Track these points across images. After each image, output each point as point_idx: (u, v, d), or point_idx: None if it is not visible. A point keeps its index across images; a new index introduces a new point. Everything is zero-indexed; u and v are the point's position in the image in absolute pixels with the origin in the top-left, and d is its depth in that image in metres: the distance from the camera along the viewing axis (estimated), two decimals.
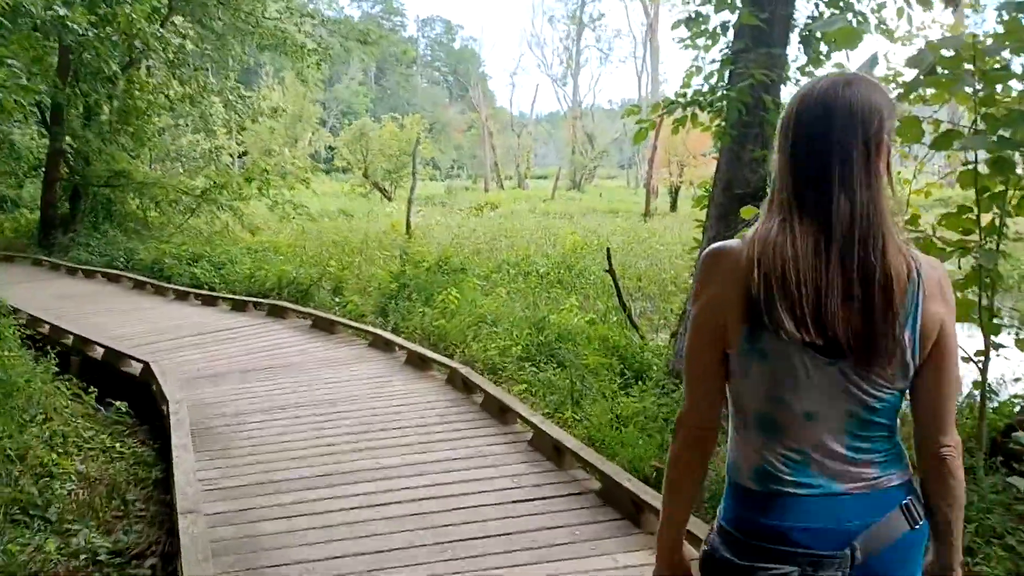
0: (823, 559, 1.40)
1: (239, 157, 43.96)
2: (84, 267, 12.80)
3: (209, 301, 10.09)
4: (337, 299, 9.98)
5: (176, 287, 10.85)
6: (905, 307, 1.38)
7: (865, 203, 1.37)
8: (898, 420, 1.47)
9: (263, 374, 6.72)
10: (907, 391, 1.46)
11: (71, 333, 7.78)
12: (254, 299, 9.66)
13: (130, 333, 8.38)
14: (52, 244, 14.90)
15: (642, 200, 27.19)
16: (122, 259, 13.02)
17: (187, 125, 20.41)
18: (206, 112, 18.20)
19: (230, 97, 17.68)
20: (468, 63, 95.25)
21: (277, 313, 9.03)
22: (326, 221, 23.79)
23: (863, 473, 1.43)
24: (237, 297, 9.81)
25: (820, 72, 5.94)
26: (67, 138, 15.60)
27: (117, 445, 5.58)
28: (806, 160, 1.41)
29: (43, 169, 16.51)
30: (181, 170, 19.87)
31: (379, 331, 7.74)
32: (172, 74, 17.59)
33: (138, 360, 6.75)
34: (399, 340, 7.37)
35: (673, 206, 30.09)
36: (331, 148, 48.24)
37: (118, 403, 6.12)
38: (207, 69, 17.89)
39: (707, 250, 1.50)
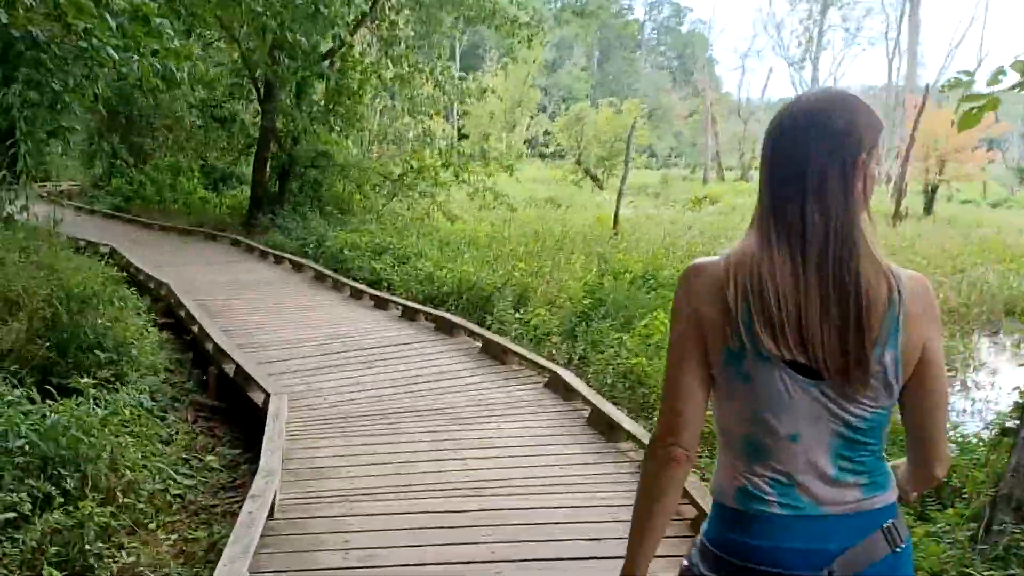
0: None
1: (458, 140, 44.34)
2: (275, 252, 12.17)
3: (381, 304, 8.83)
4: (519, 313, 8.34)
5: (353, 284, 9.74)
6: (885, 327, 1.33)
7: (841, 222, 1.33)
8: (883, 439, 1.43)
9: (403, 420, 5.19)
10: (894, 408, 1.41)
11: (212, 339, 6.73)
12: (426, 308, 8.24)
13: (283, 339, 7.25)
14: (255, 224, 14.61)
15: (887, 199, 23.27)
16: (312, 245, 12.25)
17: (402, 108, 19.86)
18: (415, 93, 17.35)
19: (439, 77, 16.66)
20: (695, 47, 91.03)
21: (446, 329, 7.54)
22: (531, 210, 22.47)
23: (847, 495, 1.40)
24: (409, 304, 8.45)
25: None
26: (278, 117, 15.29)
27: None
28: (783, 177, 1.38)
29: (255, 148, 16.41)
30: (396, 152, 19.31)
31: (559, 370, 5.95)
32: (385, 52, 16.88)
33: (262, 389, 5.46)
34: (582, 389, 5.53)
35: (928, 208, 25.73)
36: (548, 134, 47.40)
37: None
38: (418, 48, 16.99)
39: (687, 267, 1.45)
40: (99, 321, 5.97)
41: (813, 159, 1.34)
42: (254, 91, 16.31)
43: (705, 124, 44.63)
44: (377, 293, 9.14)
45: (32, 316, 6.09)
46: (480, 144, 19.29)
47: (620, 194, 19.93)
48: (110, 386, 5.83)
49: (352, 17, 15.48)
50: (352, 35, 16.01)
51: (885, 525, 1.41)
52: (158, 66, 6.75)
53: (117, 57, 5.93)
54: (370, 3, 15.64)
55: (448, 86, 16.93)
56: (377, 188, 16.20)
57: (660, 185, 37.19)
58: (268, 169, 16.07)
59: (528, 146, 41.77)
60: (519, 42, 16.22)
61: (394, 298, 8.82)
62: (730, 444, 1.44)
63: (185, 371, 6.98)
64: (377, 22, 16.40)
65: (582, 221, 23.21)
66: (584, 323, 7.99)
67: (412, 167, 14.90)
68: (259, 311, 8.46)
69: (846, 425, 1.37)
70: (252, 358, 6.41)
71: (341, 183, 15.82)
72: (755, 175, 43.78)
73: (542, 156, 44.33)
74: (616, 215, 19.41)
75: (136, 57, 6.10)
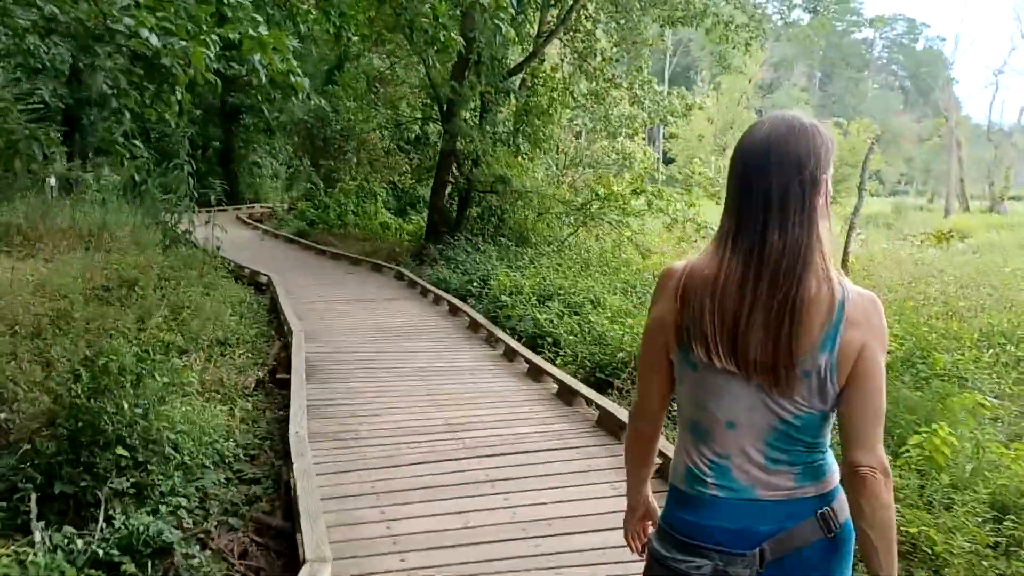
0: (734, 556, 1.48)
1: (666, 164, 41.45)
2: (437, 290, 10.41)
3: (537, 374, 6.64)
4: None
5: (508, 341, 7.64)
6: (824, 334, 1.43)
7: (796, 239, 1.43)
8: (824, 437, 1.51)
9: None
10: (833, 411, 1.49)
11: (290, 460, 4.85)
12: (586, 391, 5.89)
13: (385, 429, 5.28)
14: (426, 254, 13.05)
15: None
16: (477, 283, 10.35)
17: (596, 127, 17.79)
18: (609, 111, 15.18)
19: (638, 92, 14.35)
20: (931, 66, 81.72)
21: (611, 428, 5.20)
22: None
23: (780, 483, 1.49)
24: (565, 380, 6.14)
25: None
26: (458, 139, 13.71)
27: None
28: (748, 199, 1.47)
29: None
30: (593, 178, 17.21)
31: None
32: (579, 66, 14.86)
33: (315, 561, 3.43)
34: None
35: None
36: None
37: None
38: (616, 61, 14.80)
39: (662, 271, 1.61)
40: (125, 404, 4.23)
41: (775, 183, 1.44)
42: (438, 110, 14.92)
43: (949, 148, 38.56)
44: (531, 358, 6.95)
45: (51, 390, 4.55)
46: (684, 169, 16.50)
47: (851, 227, 16.49)
48: (125, 499, 4.12)
49: (542, 25, 13.65)
50: (543, 47, 14.15)
51: (821, 512, 1.50)
52: (208, 57, 5.01)
53: (156, 42, 4.20)
54: (564, 11, 13.73)
55: (648, 102, 14.57)
56: (561, 217, 14.13)
57: (892, 215, 32.25)
58: (446, 194, 14.54)
59: None
60: (734, 48, 13.54)
61: (549, 368, 6.58)
62: (682, 423, 1.60)
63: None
64: (571, 33, 14.44)
65: None
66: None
67: (596, 194, 12.66)
68: (387, 379, 6.59)
69: (780, 420, 1.47)
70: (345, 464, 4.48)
71: (522, 211, 13.90)
72: (1007, 206, 36.99)
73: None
74: (845, 252, 16.03)
75: (184, 43, 4.35)
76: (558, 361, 7.13)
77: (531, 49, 14.07)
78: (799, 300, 1.41)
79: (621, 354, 6.80)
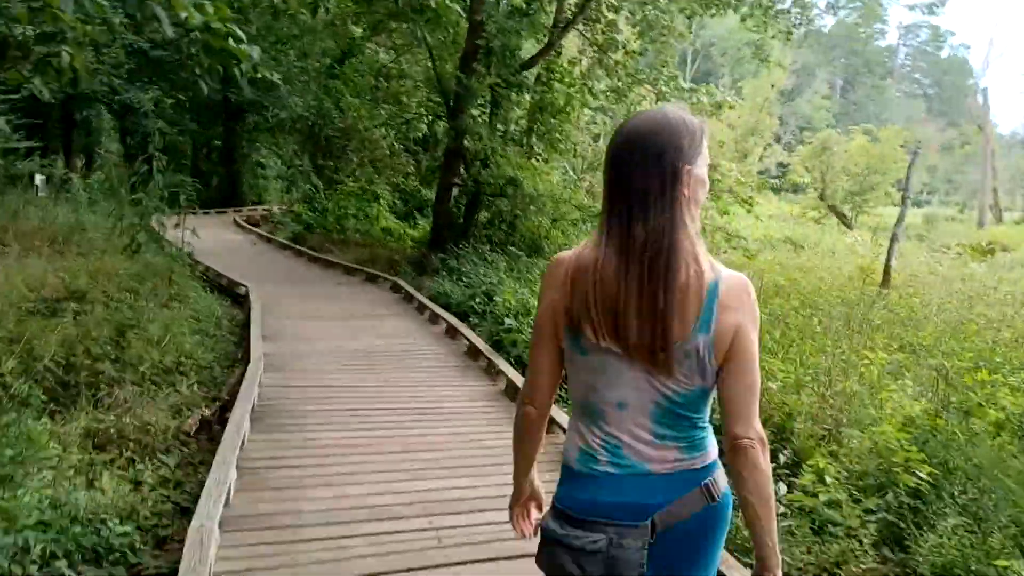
0: (627, 529, 1.54)
1: None
2: (434, 307, 9.00)
3: (548, 424, 5.23)
4: (783, 463, 4.39)
5: (510, 373, 6.24)
6: (699, 316, 1.49)
7: (659, 228, 1.48)
8: (705, 412, 1.60)
9: None
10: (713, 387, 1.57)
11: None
12: None
13: (337, 516, 3.90)
14: (426, 265, 11.67)
15: None
16: (480, 300, 8.94)
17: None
18: (631, 109, 13.74)
19: (664, 88, 12.91)
20: (956, 74, 79.73)
21: None
22: (766, 252, 17.91)
23: (667, 456, 1.57)
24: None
25: None
26: (466, 137, 12.33)
27: None
28: (616, 190, 1.53)
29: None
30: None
31: None
32: (598, 60, 13.44)
33: None
34: None
35: None
36: (782, 165, 41.92)
37: None
38: (640, 55, 13.35)
39: (552, 260, 1.65)
40: None
41: (636, 177, 1.50)
42: (444, 106, 13.56)
43: (984, 158, 36.73)
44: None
45: None
46: (712, 173, 15.03)
47: (893, 239, 14.99)
48: None
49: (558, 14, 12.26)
50: (560, 38, 12.75)
51: (704, 482, 1.57)
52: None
53: None
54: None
55: (673, 99, 13.11)
56: (578, 224, 12.71)
57: (924, 226, 30.56)
58: (452, 197, 13.15)
59: (760, 177, 36.49)
60: (774, 37, 12.06)
61: (562, 417, 5.17)
62: (575, 407, 1.67)
63: None
64: (591, 23, 13.03)
65: (834, 268, 18.26)
66: (914, 513, 3.92)
67: None
68: (349, 423, 5.21)
69: (664, 398, 1.54)
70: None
71: (535, 217, 12.47)
72: None
73: (775, 190, 38.84)
74: (888, 267, 14.51)
75: None
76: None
77: (546, 40, 12.66)
78: (670, 287, 1.46)
79: None
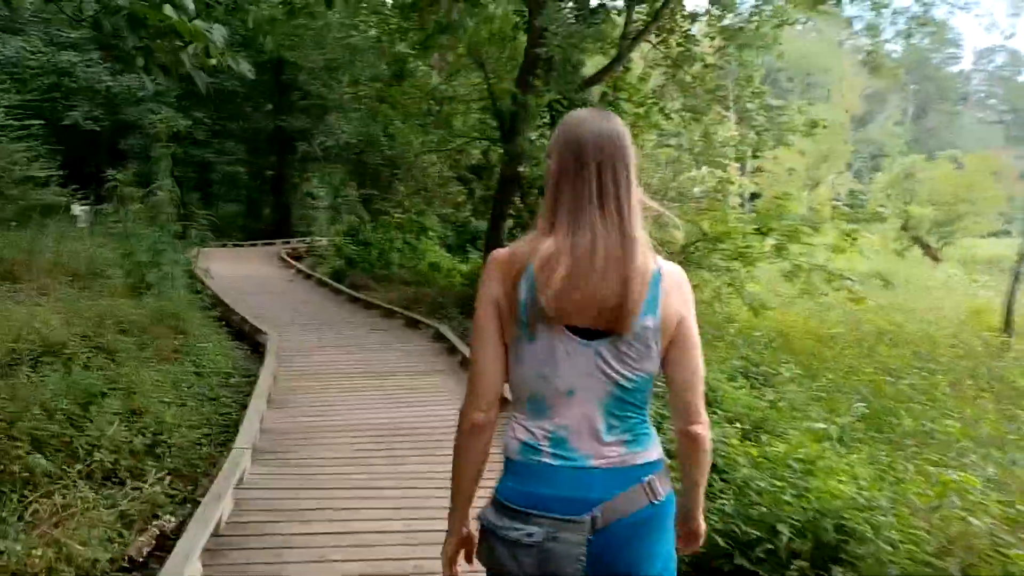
0: (565, 523, 1.50)
1: (750, 199, 37.68)
2: None
3: None
4: None
5: None
6: (647, 298, 1.53)
7: (624, 216, 1.54)
8: (649, 403, 1.61)
9: None
10: (657, 374, 1.60)
11: None
12: None
13: None
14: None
15: None
16: None
17: (690, 153, 14.64)
18: (710, 131, 12.03)
19: (748, 106, 11.16)
20: None
21: None
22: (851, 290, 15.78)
23: (612, 450, 1.55)
24: None
25: None
26: (522, 162, 10.77)
27: None
28: (574, 183, 1.55)
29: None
30: (680, 214, 13.98)
31: None
32: (672, 76, 11.79)
33: None
34: None
35: None
36: (855, 194, 39.37)
37: None
38: (721, 68, 11.63)
39: (490, 256, 1.62)
40: None
41: (595, 168, 1.55)
42: (499, 130, 12.08)
43: None
44: None
45: None
46: (784, 202, 12.80)
47: (1016, 278, 12.84)
48: None
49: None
50: (630, 51, 11.16)
51: (645, 480, 1.56)
52: None
53: None
54: (656, 6, 10.73)
55: (761, 117, 11.33)
56: None
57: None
58: (506, 229, 11.59)
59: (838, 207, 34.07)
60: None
61: None
62: (519, 404, 1.61)
63: None
64: (664, 34, 11.40)
65: (932, 307, 16.03)
66: None
67: (705, 233, 9.41)
68: (333, 563, 3.59)
69: (615, 384, 1.55)
70: None
71: None
72: None
73: (853, 221, 36.31)
74: (1011, 309, 12.37)
75: None
76: None
77: (615, 54, 11.08)
78: (631, 270, 1.51)
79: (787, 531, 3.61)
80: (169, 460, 5.11)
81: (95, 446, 4.83)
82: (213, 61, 3.30)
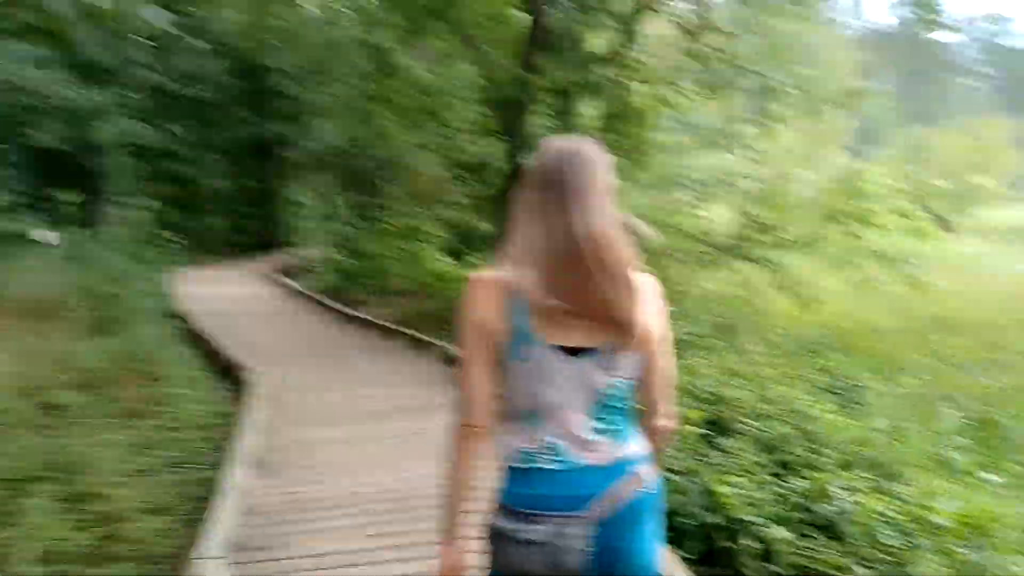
0: (569, 519, 1.60)
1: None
2: None
3: None
4: None
5: None
6: (634, 309, 1.63)
7: (609, 233, 1.60)
8: (630, 402, 1.69)
9: None
10: (636, 381, 1.69)
11: None
12: None
13: None
14: None
15: None
16: None
17: (698, 136, 13.48)
18: (729, 110, 10.84)
19: (774, 77, 9.95)
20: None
21: None
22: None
23: (601, 449, 1.65)
24: None
25: None
26: (525, 156, 9.58)
27: None
28: (557, 203, 1.60)
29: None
30: (683, 202, 12.76)
31: None
32: (687, 51, 10.58)
33: None
34: None
35: None
36: (858, 173, 38.08)
37: None
38: (739, 37, 10.41)
39: (471, 280, 1.67)
40: None
41: (576, 189, 1.61)
42: (496, 121, 10.86)
43: None
44: None
45: None
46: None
47: None
48: None
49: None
50: (633, 24, 9.97)
51: (635, 470, 1.66)
52: None
53: None
54: None
55: (788, 92, 10.11)
56: (673, 256, 9.76)
57: None
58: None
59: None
60: None
61: None
62: (516, 417, 1.67)
63: None
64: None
65: (976, 287, 14.81)
66: None
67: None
68: None
69: (599, 393, 1.64)
70: None
71: None
72: None
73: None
74: None
75: None
76: None
77: (625, 29, 9.88)
78: (617, 286, 1.59)
79: None
80: (122, 563, 3.90)
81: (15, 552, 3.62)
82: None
